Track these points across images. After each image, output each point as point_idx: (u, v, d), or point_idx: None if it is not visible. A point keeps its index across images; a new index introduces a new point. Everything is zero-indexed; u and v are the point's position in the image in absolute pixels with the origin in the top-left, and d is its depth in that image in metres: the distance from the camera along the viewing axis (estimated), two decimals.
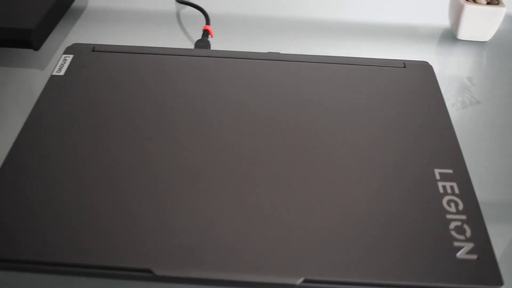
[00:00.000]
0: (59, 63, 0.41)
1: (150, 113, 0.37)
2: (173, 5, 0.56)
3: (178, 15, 0.54)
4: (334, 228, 0.29)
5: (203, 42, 0.45)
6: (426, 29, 0.54)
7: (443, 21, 0.54)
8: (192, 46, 0.48)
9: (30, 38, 0.46)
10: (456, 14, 0.49)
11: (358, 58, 0.42)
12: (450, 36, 0.52)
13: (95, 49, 0.43)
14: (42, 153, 0.34)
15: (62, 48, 0.49)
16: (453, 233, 0.29)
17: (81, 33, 0.52)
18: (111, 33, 0.52)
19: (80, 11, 0.55)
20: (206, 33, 0.46)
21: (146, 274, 0.27)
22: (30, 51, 0.49)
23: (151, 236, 0.28)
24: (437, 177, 0.32)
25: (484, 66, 0.50)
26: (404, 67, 0.41)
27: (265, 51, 0.47)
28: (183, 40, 0.50)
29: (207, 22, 0.48)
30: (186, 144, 0.34)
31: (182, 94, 0.38)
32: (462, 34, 0.50)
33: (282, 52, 0.44)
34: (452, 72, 0.48)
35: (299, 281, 0.27)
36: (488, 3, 0.48)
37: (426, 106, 0.38)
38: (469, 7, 0.47)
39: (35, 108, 0.37)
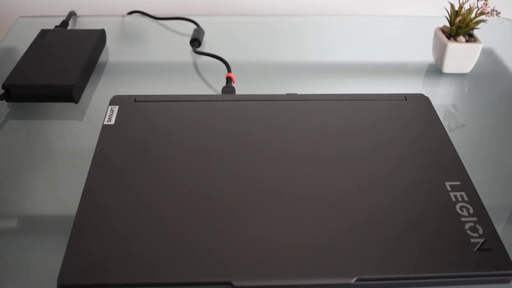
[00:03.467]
0: (108, 114, 0.47)
1: (196, 150, 0.43)
2: (188, 56, 0.62)
3: (193, 65, 0.61)
4: (376, 233, 0.35)
5: (229, 88, 0.51)
6: (413, 65, 0.62)
7: (428, 57, 0.62)
8: (216, 92, 0.55)
9: (72, 93, 0.51)
10: (440, 51, 0.57)
11: (364, 94, 0.50)
12: (435, 70, 0.60)
13: (137, 99, 0.48)
14: (112, 191, 0.39)
15: (95, 99, 0.55)
16: (469, 232, 0.36)
17: (108, 85, 0.57)
18: (135, 84, 0.58)
19: (103, 65, 0.61)
20: (229, 80, 0.53)
21: (226, 287, 0.32)
22: (69, 104, 0.54)
23: (227, 251, 0.34)
24: (448, 188, 0.39)
25: (466, 94, 0.58)
26: (405, 99, 0.49)
27: (281, 92, 0.54)
28: (201, 87, 0.57)
29: (229, 70, 0.54)
30: (238, 174, 0.40)
31: (219, 134, 0.44)
32: (446, 68, 0.58)
33: (298, 92, 0.51)
34: (439, 101, 0.56)
35: (353, 280, 0.33)
36: (466, 41, 0.56)
37: (429, 131, 0.45)
38: (452, 45, 0.55)
39: (96, 154, 0.42)
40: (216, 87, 0.56)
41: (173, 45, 0.65)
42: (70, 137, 0.50)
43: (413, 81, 0.60)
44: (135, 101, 0.48)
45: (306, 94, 0.50)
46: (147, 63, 0.62)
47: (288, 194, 0.38)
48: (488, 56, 0.64)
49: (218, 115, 0.47)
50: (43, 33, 0.60)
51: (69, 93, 0.51)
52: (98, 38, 0.60)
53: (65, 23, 0.65)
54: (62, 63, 0.54)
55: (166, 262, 0.34)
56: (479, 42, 0.56)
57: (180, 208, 0.37)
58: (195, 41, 0.62)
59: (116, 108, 0.47)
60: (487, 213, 0.37)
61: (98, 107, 0.53)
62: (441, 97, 0.57)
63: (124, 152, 0.43)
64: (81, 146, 0.49)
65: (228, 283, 0.32)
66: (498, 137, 0.51)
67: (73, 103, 0.53)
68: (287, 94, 0.50)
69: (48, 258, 0.37)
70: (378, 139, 0.44)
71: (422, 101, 0.48)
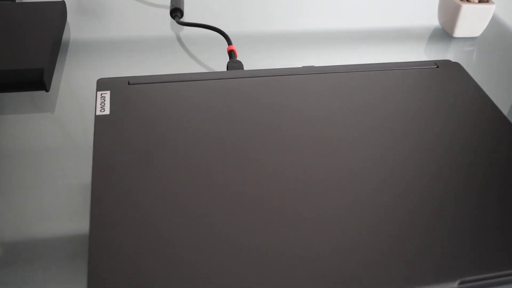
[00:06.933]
0: (99, 101, 0.38)
1: (212, 137, 0.35)
2: (169, 29, 0.54)
3: (177, 39, 0.52)
4: (463, 227, 0.30)
5: (235, 63, 0.44)
6: (416, 30, 0.58)
7: (432, 21, 0.58)
8: (215, 70, 0.47)
9: (43, 78, 0.42)
10: (451, 14, 0.52)
11: (391, 63, 0.44)
12: (442, 34, 0.56)
13: (131, 82, 0.40)
14: (127, 195, 0.31)
15: (65, 86, 0.45)
16: None
17: (78, 68, 0.48)
18: (109, 65, 0.48)
19: (65, 44, 0.51)
20: (232, 53, 0.45)
21: None
22: (33, 94, 0.44)
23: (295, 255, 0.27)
24: None
25: (475, 58, 0.54)
26: (437, 67, 0.44)
27: (291, 65, 0.47)
28: (193, 65, 0.49)
29: (229, 42, 0.47)
30: (264, 161, 0.33)
31: (234, 117, 0.37)
32: (458, 32, 0.54)
33: (315, 65, 0.45)
34: None
35: (456, 284, 0.27)
36: (479, 1, 0.52)
37: (475, 101, 0.40)
38: (466, 7, 0.51)
39: (96, 154, 0.33)
40: (212, 63, 0.48)
41: (150, 17, 0.56)
42: (45, 133, 0.41)
43: (417, 46, 0.55)
44: (129, 84, 0.40)
45: (326, 66, 0.43)
46: (122, 40, 0.52)
47: (339, 183, 0.32)
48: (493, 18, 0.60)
49: (229, 95, 0.39)
50: None
51: (39, 78, 0.42)
52: (59, 12, 0.50)
53: None
54: (24, 44, 0.44)
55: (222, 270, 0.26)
56: (492, 2, 0.52)
57: (213, 205, 0.30)
58: (177, 11, 0.53)
59: (107, 94, 0.38)
60: None
61: (72, 95, 0.44)
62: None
63: (131, 146, 0.34)
64: (61, 144, 0.40)
65: None
66: None
67: (42, 92, 0.43)
68: (303, 67, 0.43)
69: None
70: (422, 112, 0.39)
71: (454, 68, 0.44)
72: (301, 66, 0.44)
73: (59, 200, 0.36)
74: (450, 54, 0.54)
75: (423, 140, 0.36)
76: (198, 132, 0.36)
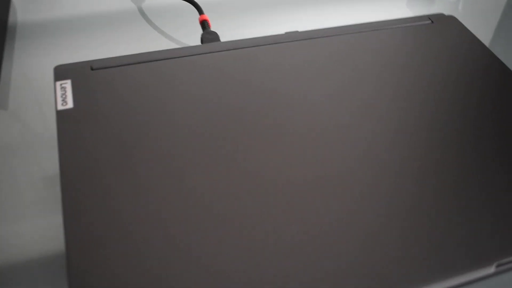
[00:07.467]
0: (59, 94, 0.32)
1: (197, 125, 0.31)
2: (129, 2, 0.48)
3: (139, 12, 0.47)
4: (488, 214, 0.27)
5: (210, 35, 0.39)
6: None
7: None
8: (190, 44, 0.42)
9: None
10: None
11: (381, 21, 0.40)
12: None
13: (94, 66, 0.34)
14: (100, 198, 0.26)
15: (17, 75, 0.40)
16: None
17: (28, 53, 0.42)
18: (66, 47, 0.43)
19: (12, 28, 0.45)
20: (205, 24, 0.40)
21: None
22: None
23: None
24: None
25: (460, 10, 0.51)
26: (432, 22, 0.40)
27: (272, 32, 0.42)
28: (161, 41, 0.43)
29: (200, 12, 0.41)
30: (264, 149, 0.29)
31: (216, 100, 0.33)
32: None
33: (298, 29, 0.40)
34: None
35: (493, 267, 0.24)
36: None
37: (480, 59, 0.36)
38: None
39: (62, 158, 0.29)
40: (183, 37, 0.43)
41: None
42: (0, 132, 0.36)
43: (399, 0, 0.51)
44: (92, 69, 0.34)
45: (311, 31, 0.39)
46: (76, 18, 0.46)
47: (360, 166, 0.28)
48: None
49: (210, 73, 0.34)
50: None
51: None
52: None
53: None
54: None
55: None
56: None
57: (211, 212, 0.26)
58: None
59: (68, 84, 0.33)
60: None
61: (26, 87, 0.38)
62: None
63: (103, 144, 0.29)
64: (19, 144, 0.35)
65: None
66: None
67: None
68: (286, 33, 0.39)
69: None
70: (427, 76, 0.35)
71: (450, 22, 0.40)
72: (283, 32, 0.39)
73: (24, 199, 0.31)
74: (434, 6, 0.51)
75: (434, 108, 0.33)
76: (180, 121, 0.31)
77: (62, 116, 0.31)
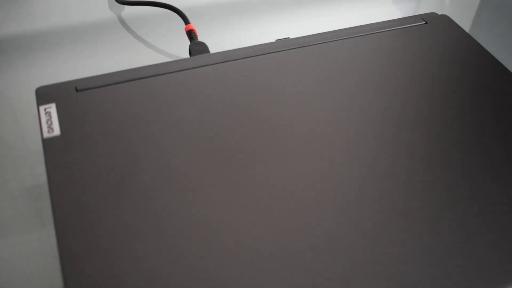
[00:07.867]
0: (44, 120, 0.30)
1: (193, 147, 0.29)
2: (108, 11, 0.46)
3: (120, 22, 0.45)
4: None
5: (198, 46, 0.37)
6: None
7: None
8: (178, 56, 0.40)
9: None
10: None
11: (373, 24, 0.39)
12: None
13: (79, 87, 0.32)
14: (98, 232, 0.25)
15: None
16: None
17: (8, 71, 0.40)
18: (45, 63, 0.41)
19: None
20: (192, 34, 0.38)
21: None
22: None
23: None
24: None
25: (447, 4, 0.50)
26: (426, 23, 0.39)
27: (256, 39, 0.41)
28: (147, 54, 0.41)
29: (186, 21, 0.39)
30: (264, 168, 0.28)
31: (210, 118, 0.31)
32: None
33: (289, 36, 0.39)
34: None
35: None
36: None
37: (477, 61, 0.36)
38: None
39: (53, 191, 0.27)
40: (168, 47, 0.41)
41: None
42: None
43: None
44: (77, 90, 0.32)
45: (303, 37, 0.37)
46: (53, 30, 0.44)
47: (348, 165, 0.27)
48: None
49: (202, 90, 0.33)
50: None
51: None
52: None
53: None
54: None
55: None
56: None
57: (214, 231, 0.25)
58: None
59: (52, 108, 0.31)
60: None
61: (6, 109, 0.36)
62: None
63: (97, 174, 0.28)
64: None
65: None
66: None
67: None
68: (277, 41, 0.37)
69: None
70: (426, 80, 0.34)
71: (444, 21, 0.39)
72: (274, 40, 0.37)
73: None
74: (422, 4, 0.50)
75: (436, 112, 0.32)
76: (172, 144, 0.29)
77: (49, 144, 0.29)
